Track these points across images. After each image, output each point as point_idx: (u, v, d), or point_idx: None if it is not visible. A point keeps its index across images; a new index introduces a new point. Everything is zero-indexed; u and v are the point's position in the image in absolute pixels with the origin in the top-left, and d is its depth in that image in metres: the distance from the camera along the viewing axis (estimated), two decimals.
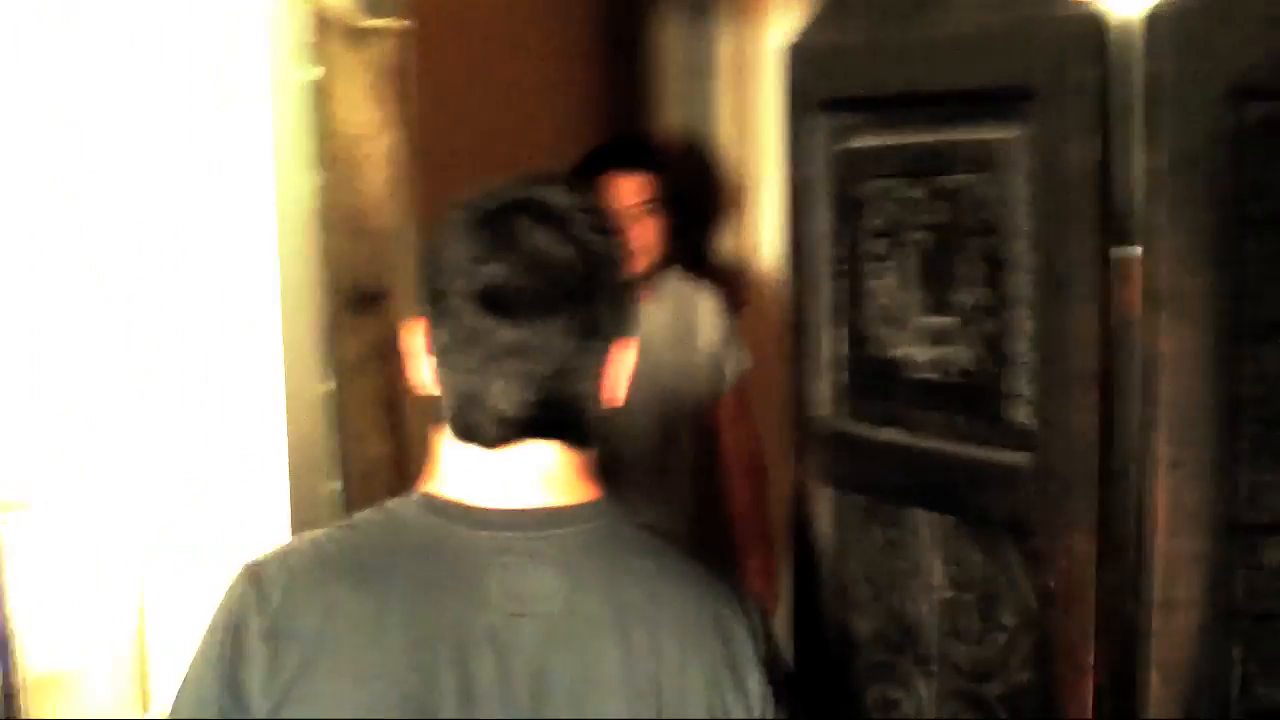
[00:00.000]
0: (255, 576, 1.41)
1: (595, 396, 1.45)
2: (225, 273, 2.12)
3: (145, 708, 2.27)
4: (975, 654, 1.94)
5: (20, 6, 2.02)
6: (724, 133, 3.88)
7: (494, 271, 1.38)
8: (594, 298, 1.41)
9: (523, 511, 1.42)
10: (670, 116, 3.88)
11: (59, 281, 2.08)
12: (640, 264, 3.20)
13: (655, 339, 3.20)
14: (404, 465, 2.47)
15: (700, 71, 3.85)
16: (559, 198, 1.42)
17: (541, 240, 1.39)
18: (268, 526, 2.17)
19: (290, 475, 2.19)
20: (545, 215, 1.40)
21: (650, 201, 3.26)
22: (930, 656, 1.99)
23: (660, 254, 3.29)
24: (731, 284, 3.84)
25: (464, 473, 1.44)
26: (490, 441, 1.42)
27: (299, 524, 2.19)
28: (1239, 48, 1.69)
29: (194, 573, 2.19)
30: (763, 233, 3.93)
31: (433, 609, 1.37)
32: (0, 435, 2.07)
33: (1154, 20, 1.71)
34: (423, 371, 1.47)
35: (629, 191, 3.23)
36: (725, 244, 3.90)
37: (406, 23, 2.36)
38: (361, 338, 2.30)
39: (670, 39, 3.86)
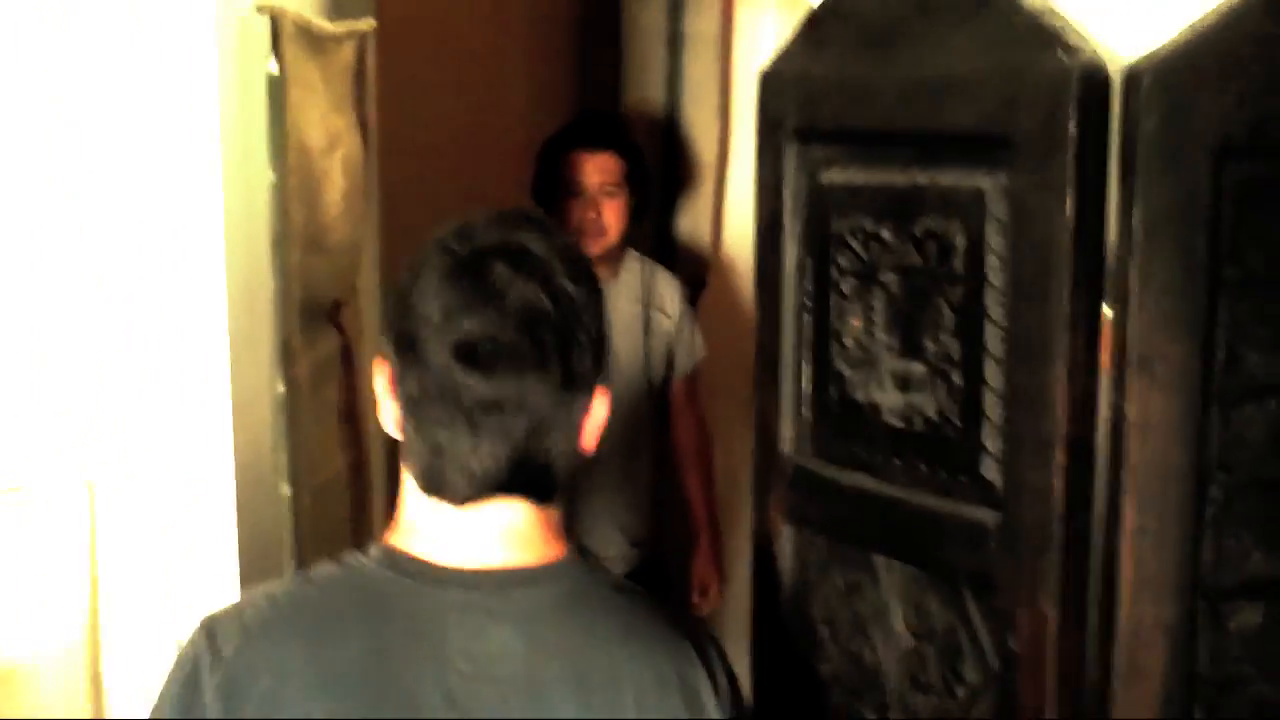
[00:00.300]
0: (210, 631, 1.38)
1: (569, 451, 1.41)
2: (174, 277, 2.07)
3: (99, 708, 2.25)
4: (935, 705, 1.91)
5: (16, 6, 1.95)
6: (692, 108, 3.81)
7: (470, 324, 1.33)
8: (573, 351, 1.36)
9: (486, 571, 1.39)
10: (639, 92, 3.82)
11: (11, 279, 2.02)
12: (604, 244, 3.18)
13: (617, 323, 3.18)
14: (363, 476, 2.43)
15: (671, 46, 3.78)
16: (537, 244, 1.37)
17: (520, 292, 1.33)
18: (215, 531, 2.13)
19: (238, 482, 2.14)
20: (524, 264, 1.34)
21: (616, 181, 3.23)
22: (889, 704, 1.97)
23: (622, 233, 3.26)
24: (690, 265, 3.80)
25: (428, 528, 1.40)
26: (459, 499, 1.38)
27: (247, 530, 2.15)
28: (1220, 108, 1.65)
29: (146, 574, 2.16)
30: (727, 213, 3.88)
31: (388, 670, 1.34)
32: None
33: (1135, 76, 1.66)
34: (387, 415, 1.42)
35: (595, 170, 3.20)
36: (686, 223, 3.85)
37: (367, 23, 2.29)
38: (318, 349, 2.26)
39: (641, 12, 3.78)
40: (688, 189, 3.83)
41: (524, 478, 1.38)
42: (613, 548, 3.30)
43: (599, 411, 1.43)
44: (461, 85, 3.45)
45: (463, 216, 1.41)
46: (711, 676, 1.43)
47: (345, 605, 1.38)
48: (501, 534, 1.39)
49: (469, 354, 1.33)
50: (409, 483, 1.41)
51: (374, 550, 1.42)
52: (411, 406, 1.37)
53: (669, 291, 3.39)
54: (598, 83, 3.88)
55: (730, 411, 3.68)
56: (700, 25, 3.77)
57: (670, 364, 3.40)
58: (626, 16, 3.80)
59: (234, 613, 1.41)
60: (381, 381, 1.41)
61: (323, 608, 1.39)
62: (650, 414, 3.40)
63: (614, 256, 3.28)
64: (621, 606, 1.44)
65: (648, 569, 3.36)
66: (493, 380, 1.33)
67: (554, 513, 1.44)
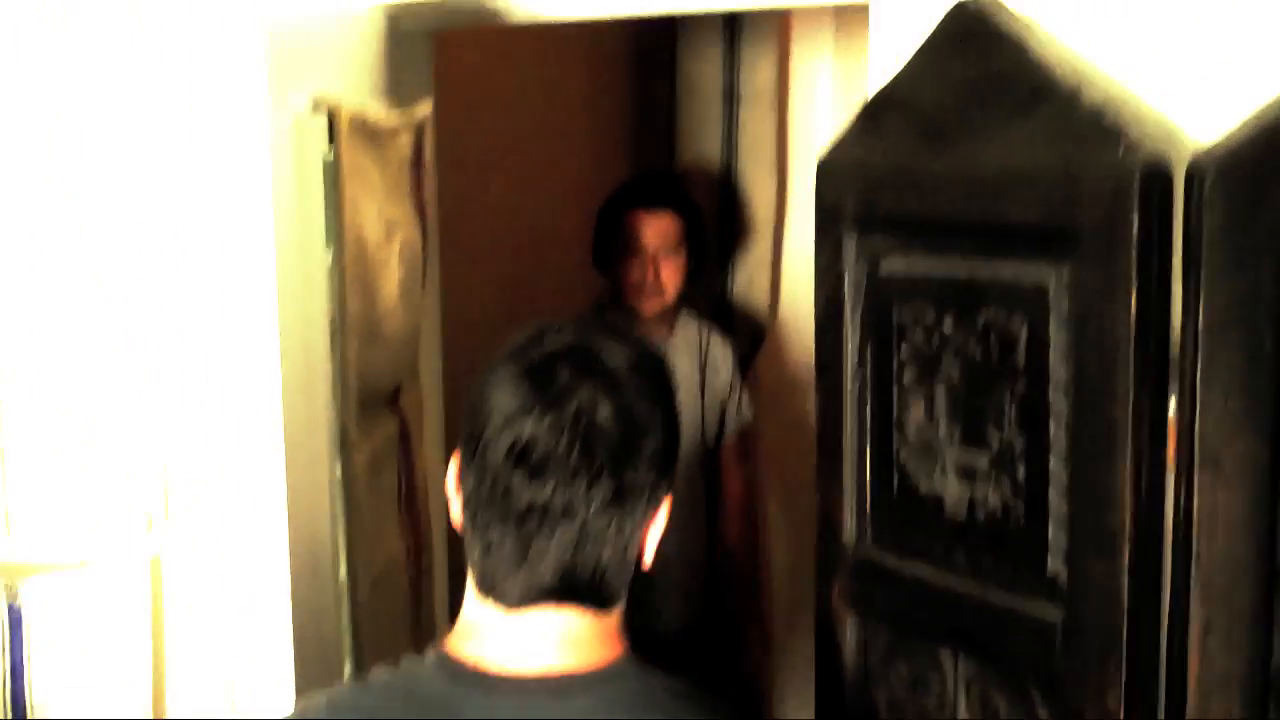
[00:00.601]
0: None
1: (625, 563, 1.40)
2: (231, 368, 2.08)
3: None
4: None
5: (22, 10, 1.97)
6: (749, 166, 3.81)
7: (528, 427, 1.32)
8: (631, 465, 1.34)
9: (539, 679, 1.38)
10: (695, 149, 3.82)
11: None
12: (661, 303, 3.19)
13: (678, 385, 3.19)
14: (422, 561, 2.44)
15: (727, 102, 3.78)
16: (612, 353, 1.36)
17: (583, 398, 1.32)
18: (271, 615, 2.14)
19: (293, 569, 2.16)
20: (592, 370, 1.34)
21: (675, 241, 3.23)
22: None
23: (679, 292, 3.27)
24: (747, 324, 3.79)
25: (483, 631, 1.40)
26: (509, 603, 1.38)
27: (304, 615, 2.16)
28: None
29: (207, 654, 2.17)
30: (784, 270, 3.87)
31: None
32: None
33: (1199, 172, 1.64)
34: (456, 511, 1.43)
35: (653, 230, 3.21)
36: (743, 280, 3.84)
37: (425, 109, 2.30)
38: (376, 436, 2.26)
39: (697, 70, 3.78)
40: (744, 246, 3.83)
41: (575, 587, 1.37)
42: (666, 606, 3.29)
43: (659, 526, 1.42)
44: (520, 153, 3.46)
45: (542, 323, 1.41)
46: None
47: (399, 716, 1.39)
48: (555, 639, 1.38)
49: (522, 457, 1.32)
50: (470, 584, 1.41)
51: (431, 655, 1.42)
52: (470, 505, 1.37)
53: (722, 353, 3.40)
54: (654, 141, 3.89)
55: (787, 468, 3.68)
56: (756, 82, 3.77)
57: (722, 424, 3.40)
58: (682, 74, 3.80)
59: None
60: (452, 478, 1.41)
61: (376, 718, 1.39)
62: (702, 474, 3.41)
63: (670, 316, 3.29)
64: (678, 710, 1.43)
65: (695, 631, 3.35)
66: (541, 486, 1.32)
67: (614, 618, 1.43)
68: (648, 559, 1.42)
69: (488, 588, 1.38)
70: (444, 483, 1.46)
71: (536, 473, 1.32)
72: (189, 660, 2.18)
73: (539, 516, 1.33)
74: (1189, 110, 1.80)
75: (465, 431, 1.38)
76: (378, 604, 2.27)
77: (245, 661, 2.17)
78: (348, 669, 2.24)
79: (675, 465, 1.42)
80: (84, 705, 2.16)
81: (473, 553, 1.39)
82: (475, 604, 1.40)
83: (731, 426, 3.43)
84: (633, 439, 1.35)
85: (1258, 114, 1.68)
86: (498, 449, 1.33)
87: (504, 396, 1.34)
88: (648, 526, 1.41)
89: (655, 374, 1.40)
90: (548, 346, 1.36)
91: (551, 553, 1.34)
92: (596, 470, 1.33)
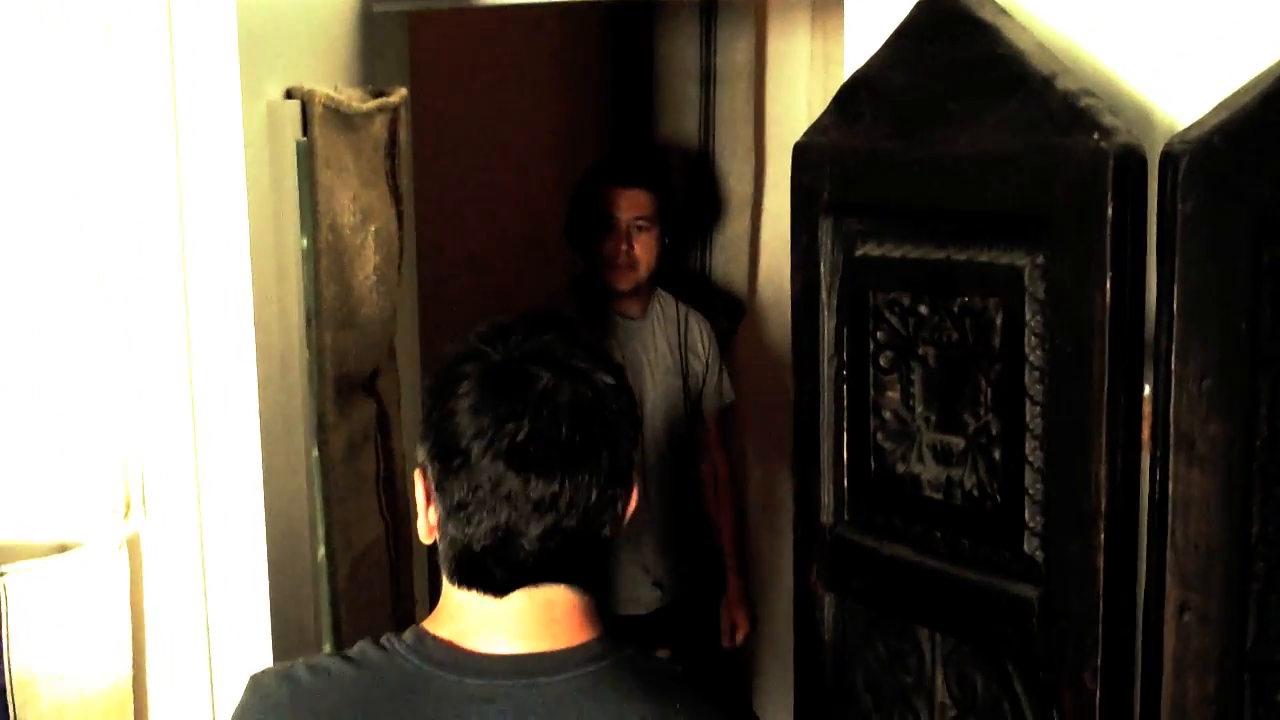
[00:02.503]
0: (256, 689, 1.44)
1: (607, 540, 1.43)
2: (206, 353, 2.08)
3: None
4: None
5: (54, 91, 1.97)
6: (727, 143, 3.81)
7: (521, 429, 1.35)
8: (618, 444, 1.40)
9: (516, 657, 1.40)
10: (672, 127, 3.81)
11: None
12: (634, 279, 3.19)
13: (646, 363, 3.21)
14: (402, 541, 2.45)
15: (704, 81, 3.77)
16: (569, 346, 1.40)
17: (565, 394, 1.36)
18: (249, 597, 2.14)
19: (271, 551, 2.16)
20: (563, 366, 1.38)
21: (648, 216, 3.23)
22: None
23: (652, 269, 3.27)
24: (726, 302, 3.80)
25: (463, 614, 1.42)
26: (500, 589, 1.40)
27: (282, 596, 2.17)
28: (1258, 187, 1.64)
29: (185, 639, 2.17)
30: (763, 247, 3.87)
31: None
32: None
33: (1172, 157, 1.65)
34: (425, 527, 1.44)
35: (627, 205, 3.21)
36: (721, 258, 3.85)
37: (399, 95, 2.29)
38: (353, 419, 2.26)
39: (674, 48, 3.78)
40: (723, 226, 3.83)
41: (568, 564, 1.40)
42: (640, 589, 3.31)
43: (634, 495, 1.46)
44: (497, 135, 3.46)
45: (486, 322, 1.43)
46: None
47: (370, 691, 1.41)
48: (536, 619, 1.41)
49: (523, 459, 1.35)
50: (446, 576, 1.43)
51: (409, 635, 1.44)
52: (460, 510, 1.38)
53: (700, 332, 3.40)
54: (630, 120, 3.88)
55: (767, 447, 3.69)
56: (733, 62, 3.76)
57: (699, 406, 3.40)
58: (659, 53, 3.80)
59: (274, 676, 1.46)
60: (420, 493, 1.42)
61: (348, 690, 1.42)
62: (678, 456, 3.41)
63: (644, 294, 3.29)
64: (656, 689, 1.44)
65: (675, 611, 3.36)
66: (549, 481, 1.36)
67: (589, 597, 1.45)
68: (618, 531, 1.46)
69: (475, 581, 1.41)
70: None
71: (541, 469, 1.36)
72: (168, 643, 2.18)
73: (548, 508, 1.37)
74: (1163, 96, 1.81)
75: (435, 442, 1.39)
76: (357, 586, 2.27)
77: (224, 644, 2.18)
78: (327, 651, 2.25)
79: (640, 439, 1.48)
80: (63, 688, 2.16)
81: (454, 548, 1.40)
82: (457, 593, 1.42)
83: (712, 406, 3.44)
84: (614, 419, 1.39)
85: (1230, 99, 1.70)
86: (493, 455, 1.35)
87: (484, 403, 1.37)
88: (630, 502, 1.44)
89: (609, 358, 1.44)
90: (511, 348, 1.39)
91: (556, 540, 1.38)
92: (595, 456, 1.37)
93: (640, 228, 3.21)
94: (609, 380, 1.41)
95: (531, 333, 1.41)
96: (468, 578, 1.41)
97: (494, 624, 1.41)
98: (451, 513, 1.40)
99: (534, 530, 1.37)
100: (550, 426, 1.35)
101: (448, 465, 1.39)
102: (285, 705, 1.42)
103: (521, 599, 1.40)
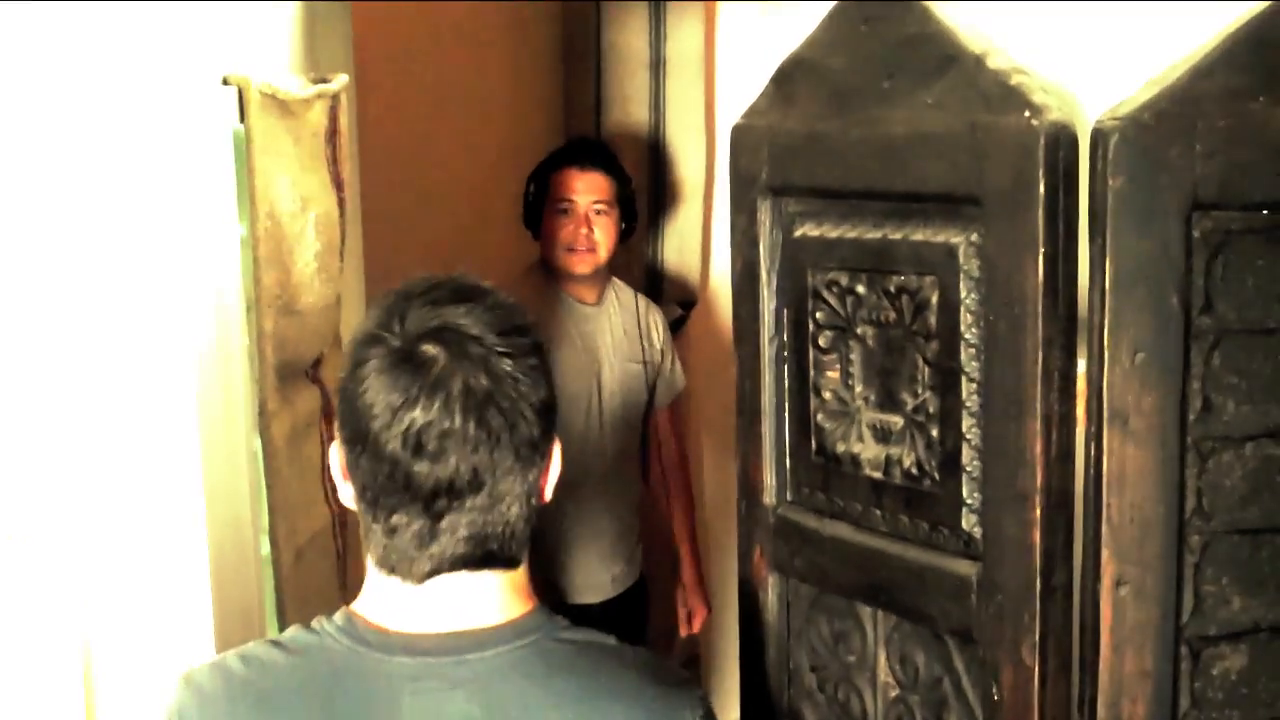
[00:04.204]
0: (188, 685, 1.41)
1: (528, 513, 1.41)
2: (142, 343, 2.05)
3: None
4: None
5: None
6: (677, 132, 3.80)
7: (418, 416, 1.33)
8: (524, 422, 1.37)
9: (444, 635, 1.39)
10: (621, 116, 3.80)
11: None
12: (594, 262, 3.18)
13: (600, 351, 3.20)
14: (348, 529, 2.43)
15: (653, 69, 3.76)
16: (469, 320, 1.37)
17: (460, 376, 1.33)
18: (190, 589, 2.12)
19: (212, 542, 2.14)
20: (459, 346, 1.35)
21: (607, 200, 3.22)
22: None
23: (611, 254, 3.26)
24: (677, 290, 3.79)
25: (387, 598, 1.40)
26: (416, 580, 1.38)
27: (225, 587, 2.15)
28: (1188, 162, 1.66)
29: (128, 632, 2.15)
30: (715, 235, 3.87)
31: None
32: None
33: (1102, 134, 1.66)
34: (346, 496, 1.43)
35: (586, 187, 3.19)
36: (673, 246, 3.84)
37: (340, 83, 2.28)
38: (297, 407, 2.25)
39: (621, 37, 3.77)
40: (673, 214, 3.82)
41: (487, 551, 1.38)
42: (595, 576, 3.30)
43: (555, 465, 1.43)
44: (445, 122, 3.44)
45: (391, 293, 1.41)
46: None
47: (304, 675, 1.40)
48: (462, 601, 1.39)
49: (418, 445, 1.33)
50: (370, 562, 1.42)
51: (339, 617, 1.43)
52: (367, 493, 1.37)
53: (655, 320, 3.39)
54: (579, 109, 3.87)
55: (718, 434, 3.69)
56: (682, 49, 3.75)
57: (653, 394, 3.40)
58: (606, 42, 3.78)
59: (206, 670, 1.43)
60: (337, 465, 1.41)
61: (281, 676, 1.40)
62: (634, 444, 3.40)
63: (601, 280, 3.27)
64: (589, 663, 1.43)
65: (628, 598, 3.36)
66: (445, 465, 1.33)
67: (519, 573, 1.44)
68: (547, 496, 1.44)
69: (390, 567, 1.39)
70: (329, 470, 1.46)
71: (437, 456, 1.33)
72: (111, 635, 2.17)
73: (447, 494, 1.34)
74: (1085, 80, 1.82)
75: (348, 426, 1.38)
76: (302, 574, 2.26)
77: (166, 635, 2.16)
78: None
79: (557, 410, 1.43)
80: (8, 673, 2.15)
81: (373, 535, 1.39)
82: (379, 576, 1.41)
83: (664, 394, 3.43)
84: (519, 398, 1.36)
85: (1160, 76, 1.71)
86: (390, 441, 1.33)
87: (382, 388, 1.35)
88: (545, 475, 1.42)
89: (515, 329, 1.40)
90: (409, 327, 1.37)
91: (463, 524, 1.36)
92: (495, 437, 1.35)
93: (599, 211, 3.19)
94: (509, 358, 1.36)
95: (431, 307, 1.39)
96: (384, 564, 1.40)
97: (419, 605, 1.39)
98: (361, 497, 1.39)
99: (444, 519, 1.35)
100: (445, 412, 1.33)
101: (353, 450, 1.37)
102: (220, 697, 1.40)
103: (443, 584, 1.39)
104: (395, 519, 1.36)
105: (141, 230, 1.98)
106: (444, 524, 1.35)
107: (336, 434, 1.40)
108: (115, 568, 2.11)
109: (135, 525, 2.08)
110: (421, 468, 1.33)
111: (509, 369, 1.36)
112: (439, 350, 1.34)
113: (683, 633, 3.47)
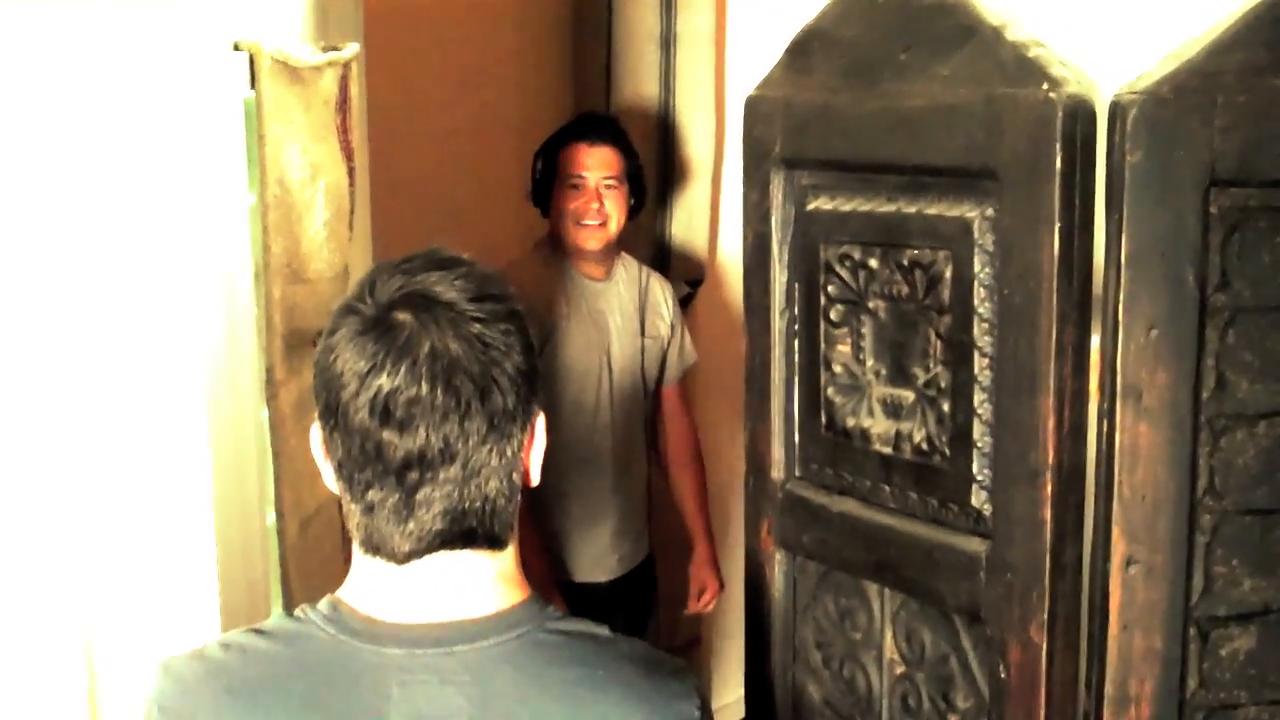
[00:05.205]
0: (165, 673, 1.38)
1: (510, 491, 1.38)
2: (152, 309, 2.04)
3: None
4: None
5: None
6: (687, 108, 3.78)
7: (383, 382, 1.28)
8: (497, 390, 1.31)
9: (432, 626, 1.35)
10: (632, 91, 3.79)
11: None
12: (605, 237, 3.16)
13: (610, 327, 3.19)
14: None
15: (664, 45, 3.75)
16: (443, 287, 1.33)
17: (429, 342, 1.29)
18: (195, 556, 2.11)
19: (219, 510, 2.13)
20: (430, 311, 1.29)
21: (617, 174, 3.20)
22: None
23: (621, 229, 3.24)
24: (685, 267, 3.78)
25: (373, 584, 1.37)
26: (398, 559, 1.36)
27: (230, 556, 2.14)
28: (1206, 138, 1.64)
29: (132, 598, 2.14)
30: (723, 211, 3.86)
31: None
32: None
33: (1120, 108, 1.65)
34: (329, 477, 1.40)
35: (597, 162, 3.17)
36: (681, 222, 3.82)
37: (351, 52, 2.26)
38: (305, 376, 2.24)
39: (633, 12, 3.75)
40: (682, 190, 3.81)
41: (467, 528, 1.35)
42: (603, 554, 3.29)
43: (540, 440, 1.40)
44: (455, 94, 3.42)
45: (372, 271, 1.38)
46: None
47: (288, 663, 1.35)
48: (447, 587, 1.35)
49: (385, 413, 1.30)
50: (355, 543, 1.39)
51: (324, 605, 1.39)
52: (342, 470, 1.34)
53: (662, 295, 3.37)
54: (589, 84, 3.86)
55: (728, 410, 3.68)
56: (693, 25, 3.74)
57: (662, 370, 3.39)
58: (617, 17, 3.77)
59: (185, 659, 1.41)
60: (317, 445, 1.38)
61: (265, 665, 1.36)
62: (642, 420, 3.39)
63: (610, 256, 3.25)
64: (582, 654, 1.40)
65: (636, 575, 3.35)
66: (414, 435, 1.29)
67: (509, 559, 1.41)
68: (534, 478, 1.41)
69: (373, 547, 1.36)
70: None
71: (405, 424, 1.29)
72: (114, 607, 2.16)
73: (419, 465, 1.30)
74: (1103, 54, 1.81)
75: (321, 400, 1.35)
76: (307, 546, 2.25)
77: (170, 606, 2.15)
78: (276, 612, 2.23)
79: (538, 380, 1.39)
80: (11, 661, 2.14)
81: (354, 514, 1.36)
82: (364, 560, 1.38)
83: (674, 369, 3.42)
84: (491, 365, 1.32)
85: (1179, 50, 1.69)
86: (359, 410, 1.30)
87: (351, 357, 1.31)
88: (527, 448, 1.39)
89: (492, 296, 1.36)
90: (380, 297, 1.34)
91: (438, 498, 1.31)
92: (464, 405, 1.30)
93: (609, 187, 3.18)
94: (482, 324, 1.30)
95: (405, 276, 1.36)
96: (367, 545, 1.37)
97: (406, 592, 1.35)
98: (339, 472, 1.36)
99: (416, 489, 1.32)
100: (411, 378, 1.28)
101: (327, 424, 1.34)
102: (200, 685, 1.35)
103: (428, 567, 1.35)
104: (371, 495, 1.32)
105: (150, 197, 1.97)
106: (419, 497, 1.31)
107: (317, 410, 1.37)
108: (121, 537, 2.10)
109: (141, 493, 2.07)
110: (391, 436, 1.29)
111: (479, 333, 1.32)
112: (408, 315, 1.29)
113: (690, 609, 3.45)
